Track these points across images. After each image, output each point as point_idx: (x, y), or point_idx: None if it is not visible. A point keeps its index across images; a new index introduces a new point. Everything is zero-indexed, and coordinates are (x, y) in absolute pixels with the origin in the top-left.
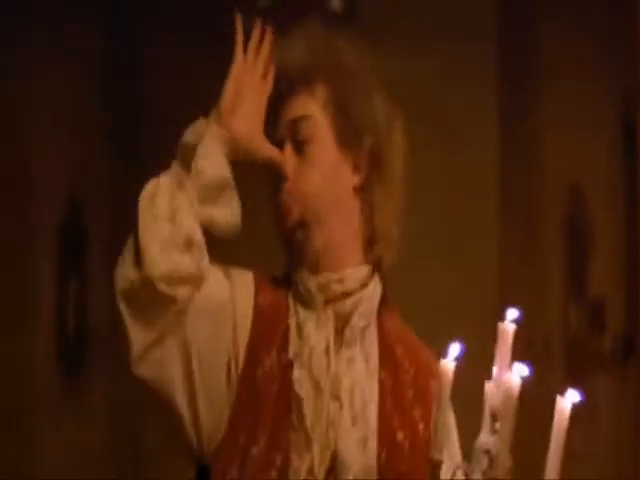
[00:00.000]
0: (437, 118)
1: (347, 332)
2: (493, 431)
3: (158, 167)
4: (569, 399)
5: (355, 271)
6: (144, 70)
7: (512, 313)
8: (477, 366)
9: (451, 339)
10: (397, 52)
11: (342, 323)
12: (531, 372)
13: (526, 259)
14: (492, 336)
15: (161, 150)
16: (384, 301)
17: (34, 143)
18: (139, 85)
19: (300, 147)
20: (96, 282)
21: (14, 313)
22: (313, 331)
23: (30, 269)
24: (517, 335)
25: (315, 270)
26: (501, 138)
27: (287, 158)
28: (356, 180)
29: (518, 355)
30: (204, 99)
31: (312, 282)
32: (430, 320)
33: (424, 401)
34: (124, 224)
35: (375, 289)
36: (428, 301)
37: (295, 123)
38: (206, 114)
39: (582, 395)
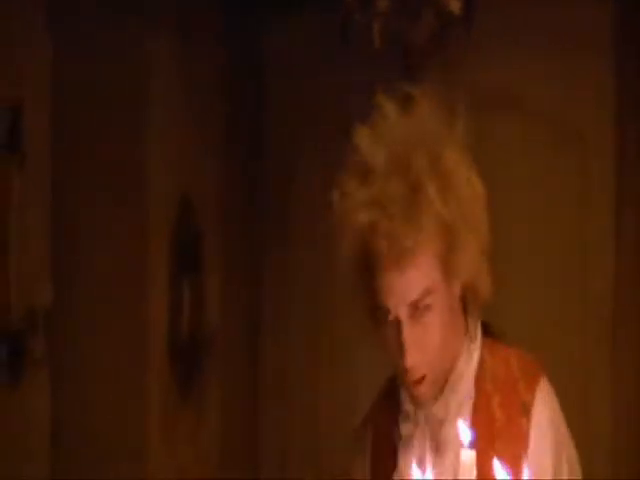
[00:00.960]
0: (555, 120)
1: (442, 437)
2: None
3: (274, 166)
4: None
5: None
6: (264, 68)
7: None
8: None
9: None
10: (514, 55)
11: (438, 425)
12: None
13: None
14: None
15: (279, 150)
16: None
17: (149, 142)
18: (259, 84)
19: (417, 315)
20: (210, 285)
21: (127, 317)
22: (412, 443)
23: (143, 273)
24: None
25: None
26: (618, 143)
27: (405, 329)
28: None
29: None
30: (329, 96)
31: (418, 414)
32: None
33: (516, 442)
34: (237, 225)
35: (470, 363)
36: (542, 313)
37: (416, 302)
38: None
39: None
